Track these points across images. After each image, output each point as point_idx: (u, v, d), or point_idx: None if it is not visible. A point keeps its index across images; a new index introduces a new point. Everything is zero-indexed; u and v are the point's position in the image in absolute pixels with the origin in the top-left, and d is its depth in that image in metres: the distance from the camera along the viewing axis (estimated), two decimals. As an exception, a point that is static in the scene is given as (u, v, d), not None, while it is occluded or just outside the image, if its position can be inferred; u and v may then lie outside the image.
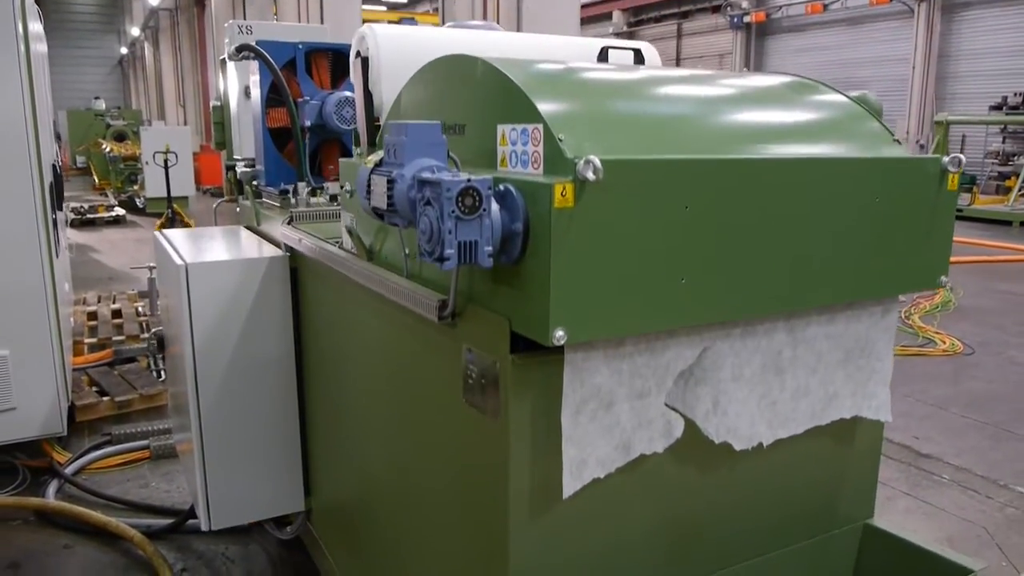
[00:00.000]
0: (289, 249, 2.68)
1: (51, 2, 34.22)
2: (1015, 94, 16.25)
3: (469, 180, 1.23)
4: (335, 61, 3.36)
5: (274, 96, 3.21)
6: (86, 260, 10.28)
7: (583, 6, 13.71)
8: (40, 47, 4.60)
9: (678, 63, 25.10)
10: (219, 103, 4.84)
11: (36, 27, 4.34)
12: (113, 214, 14.07)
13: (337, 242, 2.27)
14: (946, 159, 1.71)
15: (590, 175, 1.24)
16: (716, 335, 1.56)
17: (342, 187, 2.10)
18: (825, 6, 20.64)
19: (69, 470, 4.02)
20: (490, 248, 1.28)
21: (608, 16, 26.96)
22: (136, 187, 15.61)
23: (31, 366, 3.94)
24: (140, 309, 6.91)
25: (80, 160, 21.62)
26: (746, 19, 22.66)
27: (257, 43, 3.12)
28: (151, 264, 5.90)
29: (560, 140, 1.34)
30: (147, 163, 13.54)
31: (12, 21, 3.76)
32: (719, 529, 1.78)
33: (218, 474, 2.69)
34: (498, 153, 1.50)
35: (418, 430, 1.86)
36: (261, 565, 3.27)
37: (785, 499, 1.87)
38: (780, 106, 1.80)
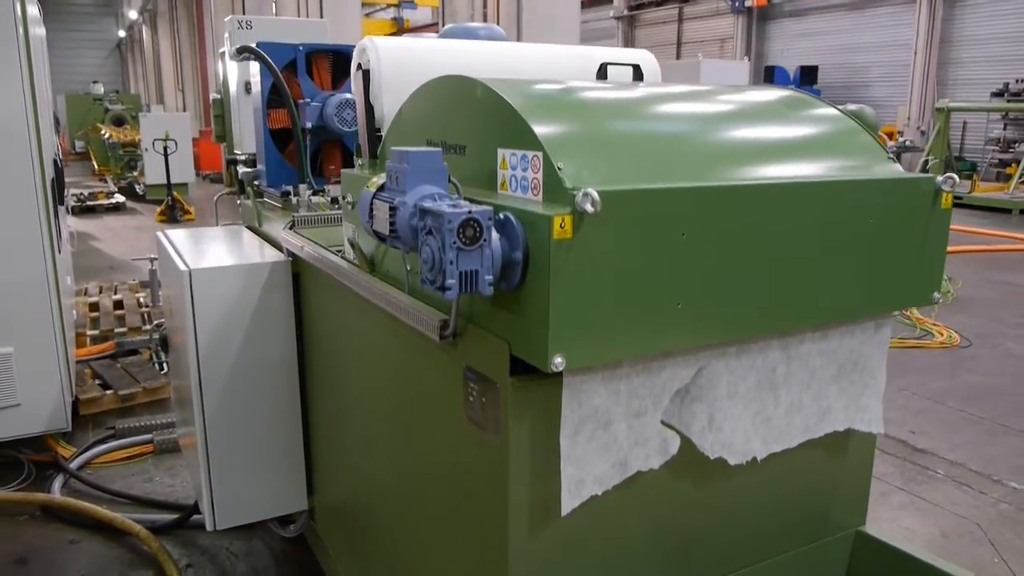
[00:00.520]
0: (291, 254, 2.71)
1: (48, -16, 33.94)
2: (1017, 80, 16.20)
3: (470, 212, 1.25)
4: (335, 62, 3.37)
5: (275, 97, 3.23)
6: (87, 248, 10.30)
7: (584, -9, 13.63)
8: (38, 31, 4.56)
9: (679, 47, 24.99)
10: (219, 96, 4.86)
11: (33, 10, 4.31)
12: (113, 201, 14.07)
13: (339, 250, 2.30)
14: (940, 178, 1.73)
15: (588, 208, 1.27)
16: (712, 354, 1.60)
17: (344, 198, 2.12)
18: (827, -10, 20.53)
19: (74, 465, 4.07)
20: (490, 277, 1.31)
21: (609, 0, 26.80)
22: (136, 173, 15.60)
23: (35, 362, 3.98)
24: (142, 300, 6.94)
25: (79, 145, 21.57)
26: (747, 3, 22.52)
27: (258, 44, 3.13)
28: (152, 256, 5.92)
29: (559, 169, 1.36)
30: (147, 150, 13.54)
31: (11, 9, 3.74)
32: (714, 539, 1.82)
33: (222, 475, 2.74)
34: (498, 176, 1.53)
35: (419, 440, 1.90)
36: (265, 561, 3.32)
37: (779, 508, 1.91)
38: (775, 123, 1.82)
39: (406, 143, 1.95)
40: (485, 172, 1.58)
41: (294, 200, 3.16)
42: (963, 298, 7.79)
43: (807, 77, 19.86)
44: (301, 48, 3.25)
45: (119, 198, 14.29)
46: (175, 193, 12.89)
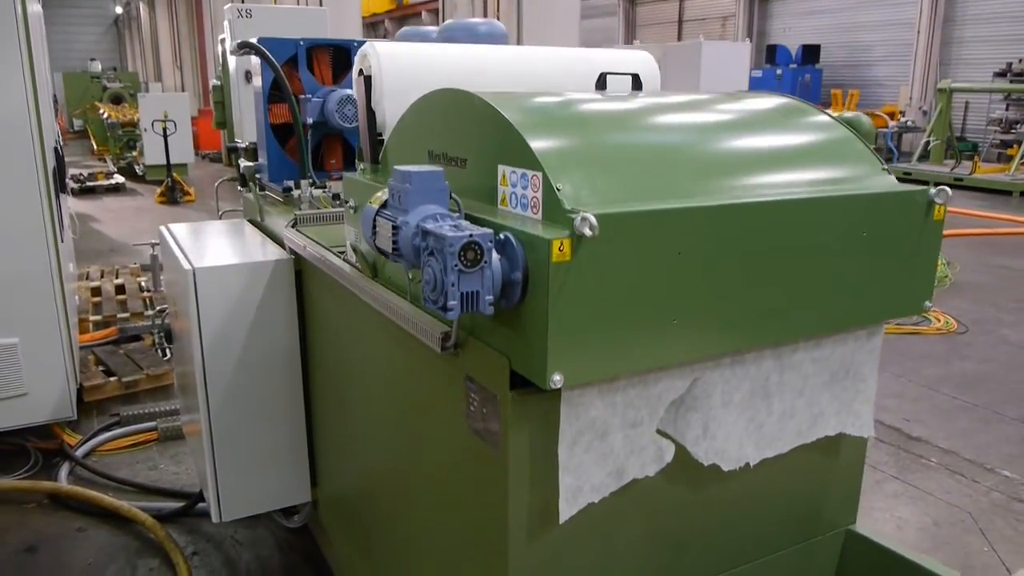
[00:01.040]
0: (293, 252, 2.74)
1: (44, -41, 33.56)
2: (1020, 60, 16.10)
3: (471, 236, 1.29)
4: (336, 56, 3.38)
5: (276, 92, 3.24)
6: (87, 231, 10.31)
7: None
8: (35, 7, 4.53)
9: (680, 25, 24.81)
10: (219, 82, 4.86)
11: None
12: (112, 182, 14.06)
13: (341, 251, 2.33)
14: (933, 191, 1.76)
15: (587, 231, 1.30)
16: (706, 366, 1.64)
17: (346, 202, 2.15)
18: (830, -32, 20.35)
19: (79, 452, 4.13)
20: (491, 297, 1.35)
21: (610, -23, 26.57)
22: (135, 154, 15.56)
23: (40, 352, 4.03)
24: (143, 284, 6.98)
25: (77, 124, 21.48)
26: (750, -20, 22.34)
27: (259, 40, 3.14)
28: (154, 241, 5.95)
29: (558, 190, 1.39)
30: (146, 130, 13.50)
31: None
32: (707, 540, 1.87)
33: (228, 468, 2.79)
34: (499, 192, 1.56)
35: (419, 443, 1.95)
36: (269, 549, 3.39)
37: (771, 509, 1.96)
38: (771, 134, 1.85)
39: (407, 152, 1.98)
40: (486, 186, 1.61)
41: (295, 194, 3.18)
42: (961, 283, 7.83)
43: (809, 56, 19.73)
44: (302, 43, 3.26)
45: (119, 179, 14.28)
46: (175, 174, 12.88)
